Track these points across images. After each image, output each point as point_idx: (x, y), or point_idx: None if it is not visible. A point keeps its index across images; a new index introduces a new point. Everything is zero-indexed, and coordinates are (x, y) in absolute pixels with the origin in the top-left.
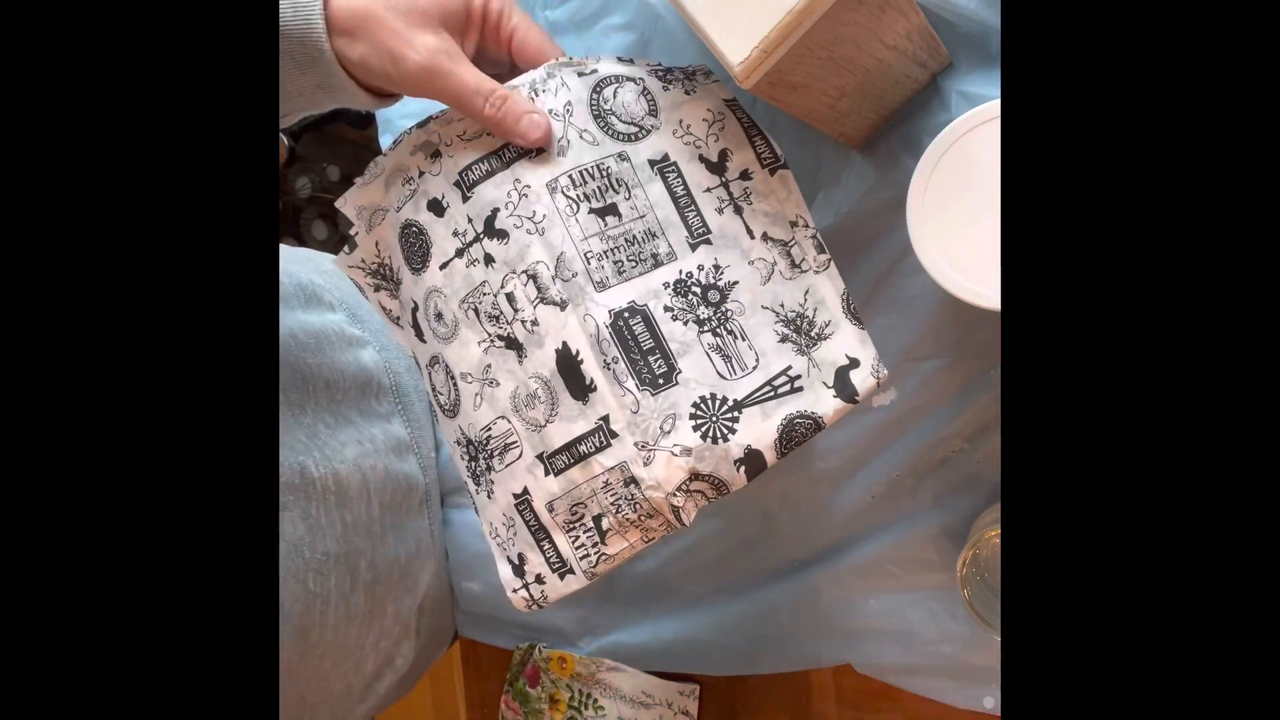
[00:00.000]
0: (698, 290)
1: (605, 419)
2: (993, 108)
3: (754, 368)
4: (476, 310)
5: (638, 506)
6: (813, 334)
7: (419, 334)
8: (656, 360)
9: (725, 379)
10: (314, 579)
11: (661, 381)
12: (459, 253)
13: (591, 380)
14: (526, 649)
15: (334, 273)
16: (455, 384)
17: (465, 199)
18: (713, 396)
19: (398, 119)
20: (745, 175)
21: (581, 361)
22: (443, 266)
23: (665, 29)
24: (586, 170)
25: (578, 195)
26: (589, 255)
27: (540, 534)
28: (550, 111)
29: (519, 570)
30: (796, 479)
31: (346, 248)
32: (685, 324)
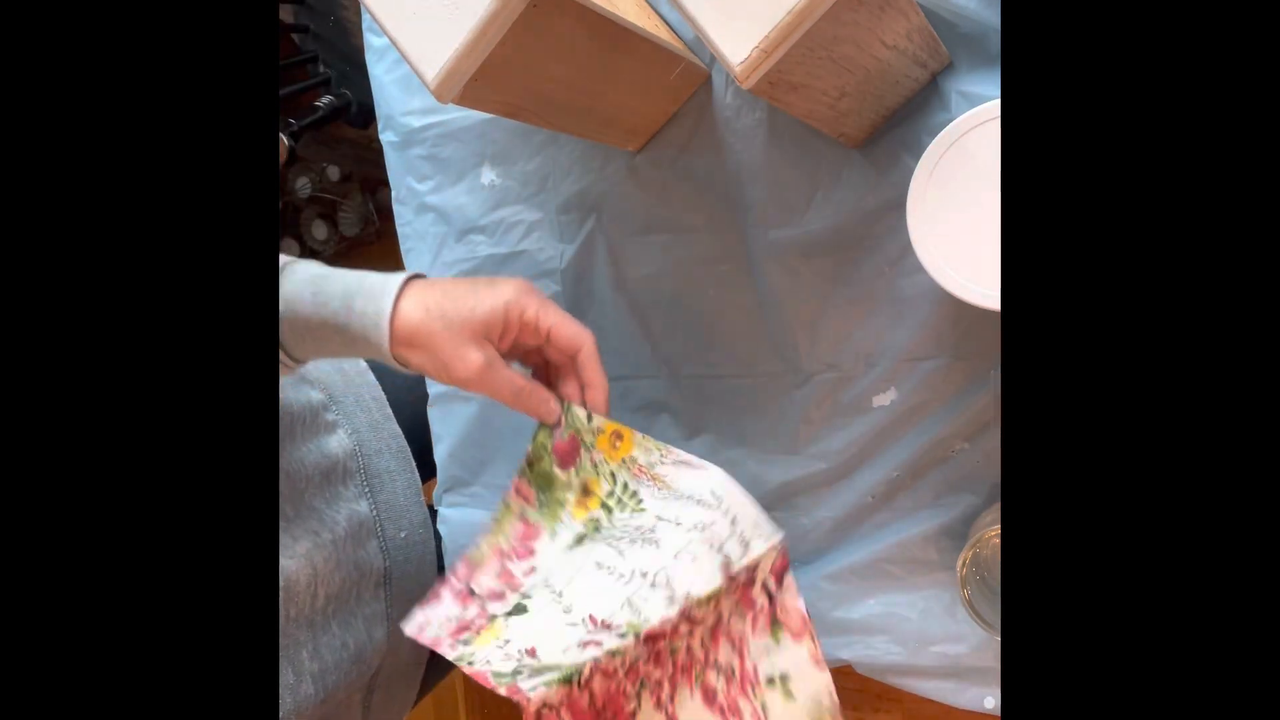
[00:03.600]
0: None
1: None
2: (993, 108)
3: None
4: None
5: None
6: None
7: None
8: None
9: None
10: None
11: None
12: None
13: None
14: (563, 412)
15: None
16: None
17: None
18: None
19: (399, 115)
20: None
21: None
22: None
23: None
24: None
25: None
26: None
27: None
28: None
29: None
30: (796, 478)
31: None
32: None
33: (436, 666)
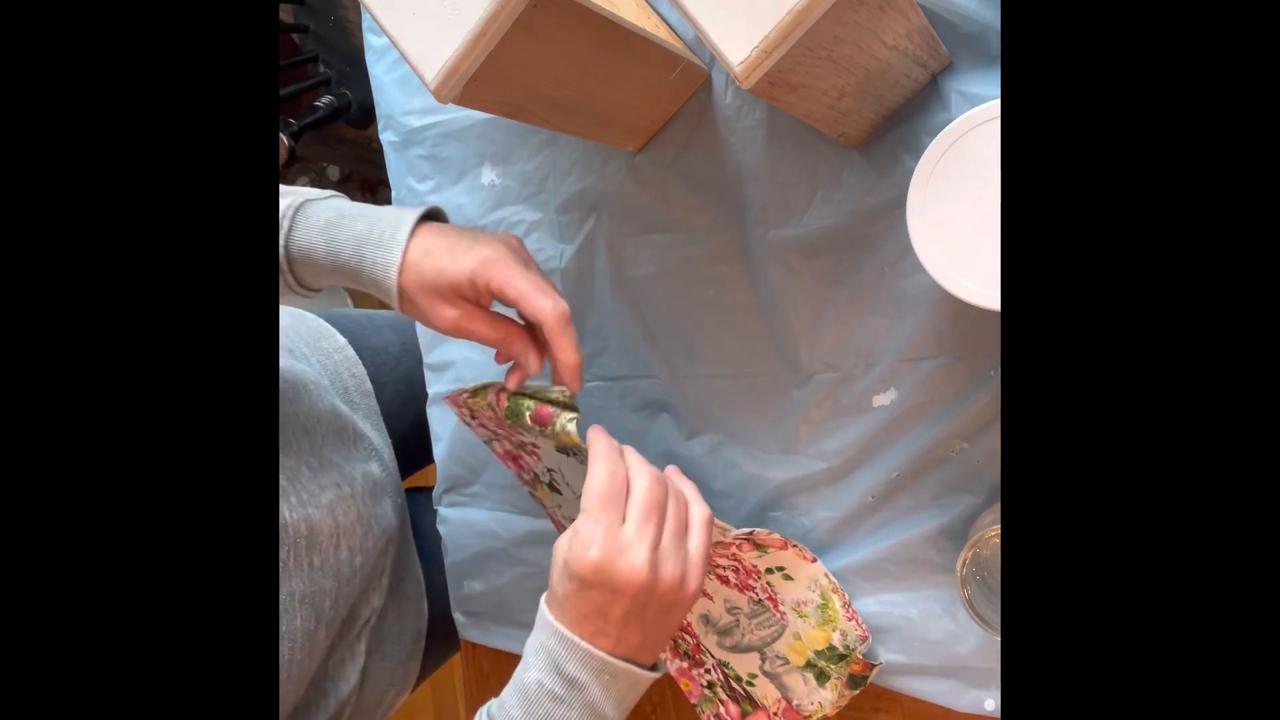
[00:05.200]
0: None
1: None
2: (993, 108)
3: None
4: None
5: None
6: None
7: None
8: None
9: None
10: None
11: None
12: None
13: None
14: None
15: (285, 331)
16: None
17: None
18: None
19: (399, 115)
20: None
21: None
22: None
23: None
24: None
25: None
26: None
27: None
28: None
29: None
30: (796, 478)
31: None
32: None
33: (434, 649)
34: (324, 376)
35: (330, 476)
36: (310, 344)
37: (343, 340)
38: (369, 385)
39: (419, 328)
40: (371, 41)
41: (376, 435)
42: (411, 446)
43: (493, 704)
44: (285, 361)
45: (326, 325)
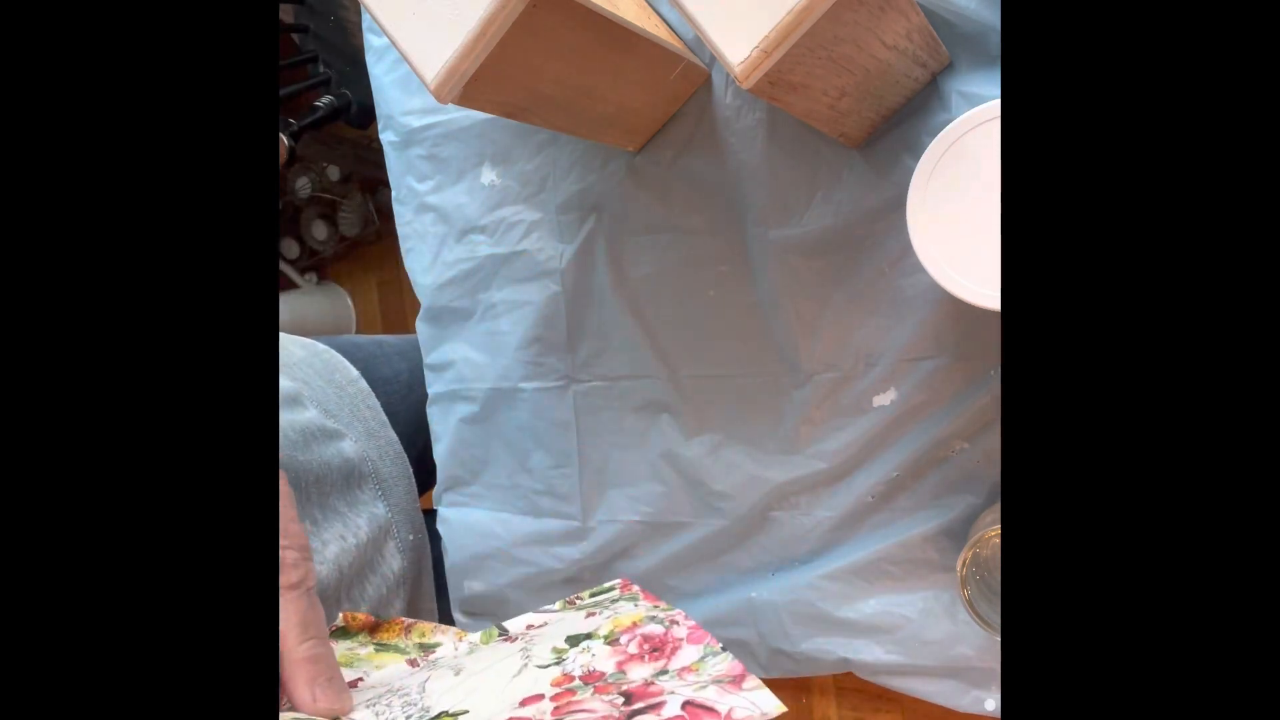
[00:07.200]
0: None
1: None
2: (993, 108)
3: None
4: None
5: None
6: None
7: None
8: None
9: None
10: None
11: None
12: None
13: None
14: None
15: (299, 365)
16: None
17: None
18: None
19: (399, 115)
20: None
21: None
22: None
23: None
24: None
25: None
26: None
27: None
28: None
29: None
30: (796, 478)
31: None
32: None
33: None
34: (340, 408)
35: (335, 528)
36: (324, 378)
37: (355, 373)
38: (384, 416)
39: (419, 334)
40: (371, 41)
41: (394, 465)
42: (418, 474)
43: None
44: (296, 414)
45: (339, 357)
